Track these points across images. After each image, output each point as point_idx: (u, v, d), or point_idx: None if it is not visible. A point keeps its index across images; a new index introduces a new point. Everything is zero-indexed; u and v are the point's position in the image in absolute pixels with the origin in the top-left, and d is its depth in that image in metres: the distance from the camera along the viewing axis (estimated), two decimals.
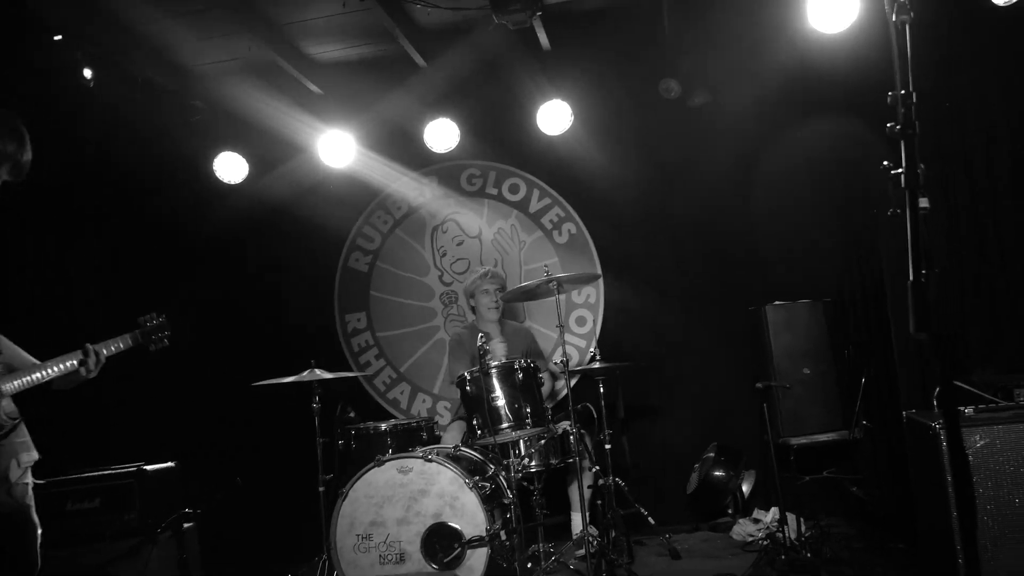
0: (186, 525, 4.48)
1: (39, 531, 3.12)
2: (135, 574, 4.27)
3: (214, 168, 5.77)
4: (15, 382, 3.04)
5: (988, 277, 4.80)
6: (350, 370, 6.14)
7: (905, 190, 1.72)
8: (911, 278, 1.67)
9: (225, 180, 5.80)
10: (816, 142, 5.32)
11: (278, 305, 6.25)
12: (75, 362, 3.18)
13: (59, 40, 4.46)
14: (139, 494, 4.48)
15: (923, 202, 1.78)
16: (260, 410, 5.50)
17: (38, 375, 3.10)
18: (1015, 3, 3.86)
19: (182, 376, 5.93)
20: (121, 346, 3.39)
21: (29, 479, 3.11)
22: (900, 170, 1.76)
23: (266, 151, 5.85)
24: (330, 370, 4.56)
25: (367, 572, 4.02)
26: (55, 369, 3.14)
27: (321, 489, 4.43)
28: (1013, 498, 3.28)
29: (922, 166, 1.75)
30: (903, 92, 1.79)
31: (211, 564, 4.82)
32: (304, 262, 6.30)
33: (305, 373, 4.47)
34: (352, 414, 4.79)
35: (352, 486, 4.12)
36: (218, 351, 6.02)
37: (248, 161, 5.81)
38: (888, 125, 1.78)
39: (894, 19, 1.84)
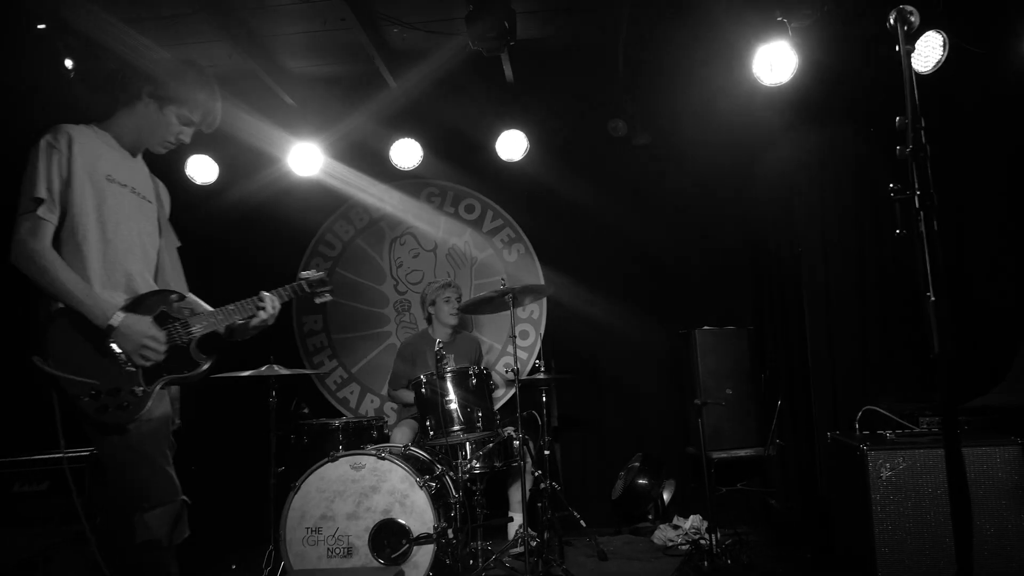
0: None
1: None
2: (79, 557, 3.78)
3: (186, 169, 5.32)
4: (202, 323, 2.68)
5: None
6: (304, 368, 5.72)
7: (919, 211, 1.49)
8: (932, 298, 1.45)
9: (196, 181, 5.34)
10: (748, 184, 5.22)
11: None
12: (257, 306, 2.80)
13: (42, 29, 3.99)
14: (90, 479, 3.97)
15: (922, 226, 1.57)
16: (218, 402, 5.03)
17: (221, 317, 2.73)
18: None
19: None
20: (292, 294, 2.94)
21: None
22: (908, 192, 1.54)
23: (237, 156, 5.40)
24: (286, 367, 4.18)
25: (314, 564, 3.65)
26: (237, 313, 2.77)
27: (272, 481, 4.04)
28: (927, 515, 3.14)
29: (933, 191, 1.53)
30: (912, 116, 1.58)
31: None
32: (266, 264, 5.81)
33: (263, 368, 4.10)
34: (306, 410, 4.44)
35: (305, 480, 3.74)
36: None
37: (219, 164, 5.38)
38: (899, 148, 1.56)
39: (903, 47, 1.63)
